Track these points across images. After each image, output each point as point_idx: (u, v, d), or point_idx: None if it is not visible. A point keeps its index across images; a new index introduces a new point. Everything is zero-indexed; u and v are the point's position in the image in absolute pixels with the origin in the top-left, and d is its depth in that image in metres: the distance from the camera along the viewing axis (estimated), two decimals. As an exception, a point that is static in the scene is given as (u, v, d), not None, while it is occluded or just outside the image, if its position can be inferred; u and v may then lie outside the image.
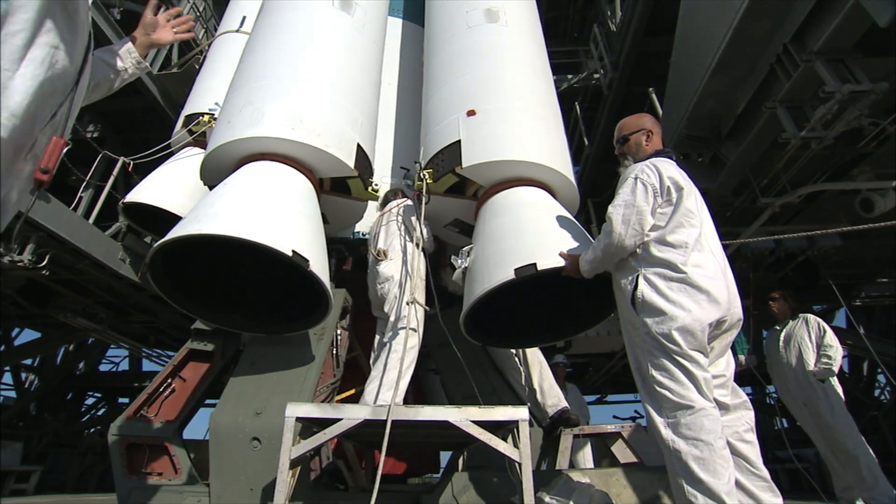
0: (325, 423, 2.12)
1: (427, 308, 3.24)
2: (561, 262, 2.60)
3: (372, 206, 3.76)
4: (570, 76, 9.31)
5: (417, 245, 3.21)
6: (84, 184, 6.31)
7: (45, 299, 6.91)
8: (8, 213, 1.07)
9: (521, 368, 3.53)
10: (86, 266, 5.76)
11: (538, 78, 3.81)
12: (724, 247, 2.31)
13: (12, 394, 10.81)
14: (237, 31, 5.67)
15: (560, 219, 2.94)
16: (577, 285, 2.68)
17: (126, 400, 12.22)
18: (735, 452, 1.97)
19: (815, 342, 4.18)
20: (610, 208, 2.22)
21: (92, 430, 11.44)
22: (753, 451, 2.03)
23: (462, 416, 2.06)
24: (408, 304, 3.08)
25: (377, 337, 3.39)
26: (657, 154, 2.38)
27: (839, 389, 4.06)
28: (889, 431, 8.44)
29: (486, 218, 3.20)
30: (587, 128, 8.14)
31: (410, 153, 4.23)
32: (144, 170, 5.17)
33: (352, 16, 3.95)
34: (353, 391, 3.81)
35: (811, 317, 4.33)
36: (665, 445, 1.91)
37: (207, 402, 3.86)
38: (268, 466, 2.54)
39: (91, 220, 5.85)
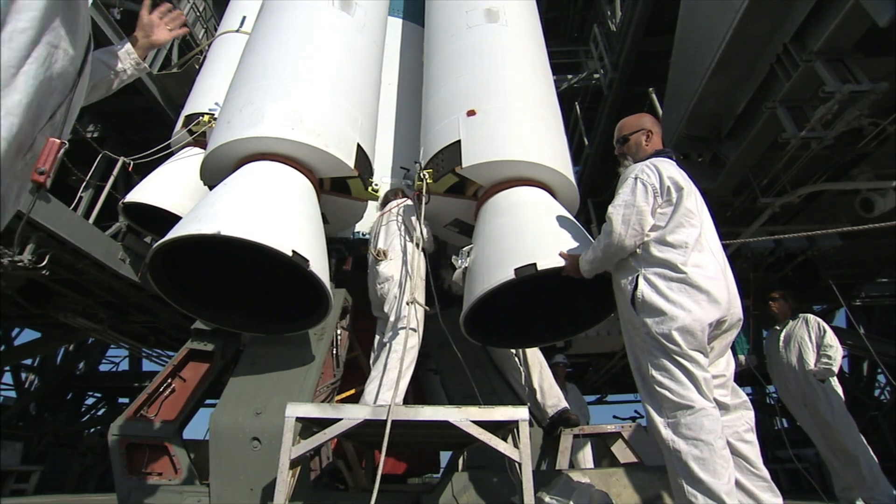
0: (325, 423, 2.12)
1: (427, 308, 3.24)
2: (561, 262, 2.60)
3: (372, 206, 3.76)
4: (570, 76, 9.31)
5: (417, 245, 3.21)
6: (84, 184, 6.30)
7: (45, 299, 6.91)
8: (8, 212, 1.07)
9: (521, 368, 3.53)
10: (86, 266, 5.76)
11: (538, 78, 3.81)
12: (724, 247, 2.31)
13: (12, 394, 10.83)
14: (237, 31, 5.67)
15: (560, 219, 2.94)
16: (577, 285, 2.68)
17: (126, 400, 12.22)
18: (735, 452, 1.97)
19: (815, 342, 4.17)
20: (610, 208, 2.22)
21: (92, 430, 11.44)
22: (753, 451, 2.03)
23: (462, 416, 2.06)
24: (408, 304, 3.08)
25: (377, 337, 3.39)
26: (657, 154, 2.38)
27: (839, 389, 4.06)
28: (889, 431, 8.44)
29: (486, 218, 3.20)
30: (587, 128, 8.14)
31: (410, 153, 4.23)
32: (144, 170, 5.17)
33: (352, 16, 3.95)
34: (353, 391, 3.81)
35: (811, 317, 4.32)
36: (665, 445, 1.91)
37: (207, 402, 3.86)
38: (268, 466, 2.54)
39: (91, 220, 5.85)
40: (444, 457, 5.09)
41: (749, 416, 2.11)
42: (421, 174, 3.28)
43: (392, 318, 3.21)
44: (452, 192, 3.46)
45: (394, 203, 3.70)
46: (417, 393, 4.58)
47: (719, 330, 2.08)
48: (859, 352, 8.08)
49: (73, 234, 5.28)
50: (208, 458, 2.74)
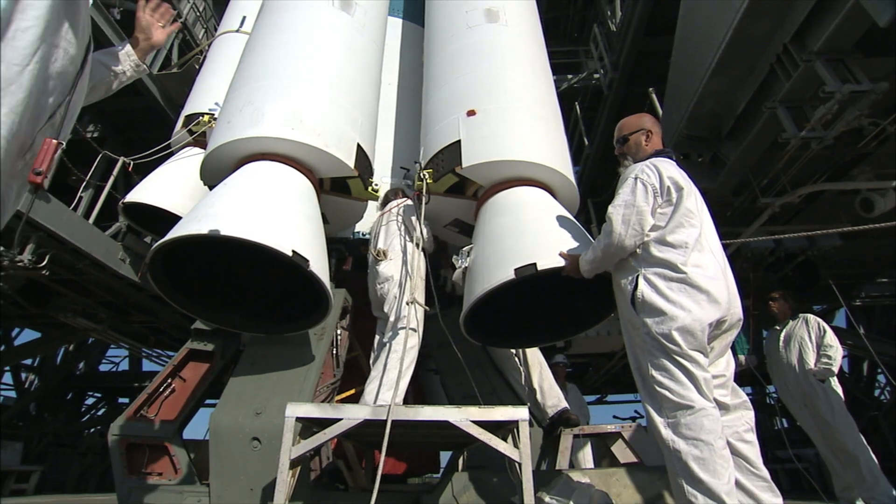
0: (325, 423, 2.12)
1: (427, 308, 3.24)
2: (561, 262, 2.60)
3: (372, 206, 3.76)
4: (570, 76, 9.31)
5: (417, 245, 3.21)
6: (84, 184, 6.30)
7: (45, 299, 6.91)
8: (7, 212, 1.07)
9: (521, 368, 3.53)
10: (86, 266, 5.76)
11: (538, 78, 3.81)
12: (724, 247, 2.31)
13: (12, 394, 10.83)
14: (237, 31, 5.67)
15: (560, 219, 2.94)
16: (577, 285, 2.68)
17: (126, 400, 12.22)
18: (735, 452, 1.97)
19: (815, 342, 4.17)
20: (610, 208, 2.22)
21: (92, 430, 11.44)
22: (753, 451, 2.03)
23: (462, 416, 2.06)
24: (408, 304, 3.08)
25: (377, 337, 3.39)
26: (657, 154, 2.38)
27: (839, 389, 4.06)
28: (889, 431, 8.44)
29: (486, 218, 3.20)
30: (587, 128, 8.14)
31: (410, 153, 4.23)
32: (144, 170, 5.17)
33: (352, 16, 3.95)
34: (353, 391, 3.81)
35: (811, 317, 4.32)
36: (665, 445, 1.91)
37: (207, 402, 3.86)
38: (268, 466, 2.54)
39: (91, 220, 5.85)
40: (444, 457, 5.09)
41: (749, 416, 2.11)
42: (421, 174, 3.28)
43: (392, 318, 3.21)
44: (452, 192, 3.46)
45: (394, 203, 3.70)
46: (417, 393, 4.58)
47: (719, 330, 2.08)
48: (859, 352, 8.08)
49: (73, 234, 5.28)
50: (208, 458, 2.74)
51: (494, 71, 3.68)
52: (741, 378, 3.74)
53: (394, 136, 4.71)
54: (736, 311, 2.10)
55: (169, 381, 3.49)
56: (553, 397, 3.45)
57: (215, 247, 2.91)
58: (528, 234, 2.88)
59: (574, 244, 2.70)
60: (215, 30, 7.04)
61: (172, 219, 4.26)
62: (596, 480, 2.78)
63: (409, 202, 3.60)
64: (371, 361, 3.28)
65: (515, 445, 2.07)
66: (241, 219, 2.59)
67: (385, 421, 2.01)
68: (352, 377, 3.85)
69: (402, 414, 2.08)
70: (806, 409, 4.09)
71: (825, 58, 3.64)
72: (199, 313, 3.10)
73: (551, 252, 2.66)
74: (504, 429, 2.21)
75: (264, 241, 2.51)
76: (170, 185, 4.77)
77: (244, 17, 5.65)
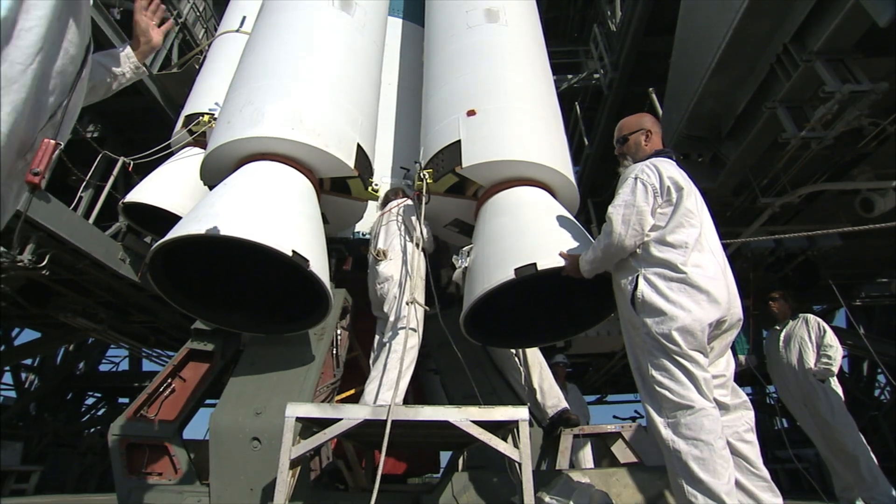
0: (325, 423, 2.12)
1: (427, 308, 3.24)
2: (561, 262, 2.59)
3: (372, 206, 3.76)
4: (570, 76, 9.32)
5: (417, 245, 3.21)
6: (84, 184, 6.30)
7: (45, 299, 6.91)
8: (7, 212, 1.07)
9: (521, 368, 3.53)
10: (86, 266, 5.76)
11: (538, 78, 3.81)
12: (724, 247, 2.31)
13: (12, 394, 10.83)
14: (237, 31, 5.68)
15: (560, 219, 2.94)
16: (578, 285, 2.68)
17: (126, 400, 12.22)
18: (735, 452, 1.97)
19: (815, 342, 4.17)
20: (610, 208, 2.22)
21: (92, 430, 11.44)
22: (753, 451, 2.03)
23: (462, 416, 2.06)
24: (407, 304, 3.08)
25: (377, 337, 3.39)
26: (657, 154, 2.38)
27: (839, 389, 4.06)
28: (889, 431, 8.44)
29: (486, 218, 3.20)
30: (587, 128, 8.14)
31: (410, 153, 4.23)
32: (144, 170, 5.17)
33: (352, 16, 3.95)
34: (353, 391, 3.81)
35: (811, 317, 4.32)
36: (665, 445, 1.91)
37: (207, 402, 3.86)
38: (268, 466, 2.53)
39: (91, 220, 5.85)
40: (444, 457, 5.09)
41: (749, 416, 2.11)
42: (421, 174, 3.28)
43: (392, 318, 3.21)
44: (452, 192, 3.46)
45: (394, 203, 3.70)
46: (417, 393, 4.58)
47: (719, 330, 2.08)
48: (859, 352, 8.08)
49: (73, 234, 5.28)
50: (208, 458, 2.74)
51: (494, 71, 3.68)
52: (741, 378, 3.74)
53: (394, 136, 4.71)
54: (736, 311, 2.09)
55: (169, 381, 3.48)
56: (553, 397, 3.45)
57: (215, 247, 2.91)
58: (528, 234, 2.88)
59: (574, 244, 2.70)
60: (215, 30, 7.04)
61: (172, 219, 4.27)
62: (596, 480, 2.78)
63: (409, 202, 3.60)
64: (371, 361, 3.28)
65: (515, 445, 2.06)
66: (241, 219, 2.59)
67: (385, 421, 2.01)
68: (352, 377, 3.85)
69: (402, 414, 2.08)
70: (806, 409, 4.09)
71: (825, 58, 3.64)
72: (199, 313, 3.10)
73: (551, 252, 2.66)
74: (504, 429, 2.21)
75: (264, 241, 2.51)
76: (170, 185, 4.77)
77: (244, 17, 5.65)
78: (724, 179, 5.06)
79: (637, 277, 2.12)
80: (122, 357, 12.29)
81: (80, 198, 6.31)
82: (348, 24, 3.89)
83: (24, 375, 11.22)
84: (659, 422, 1.94)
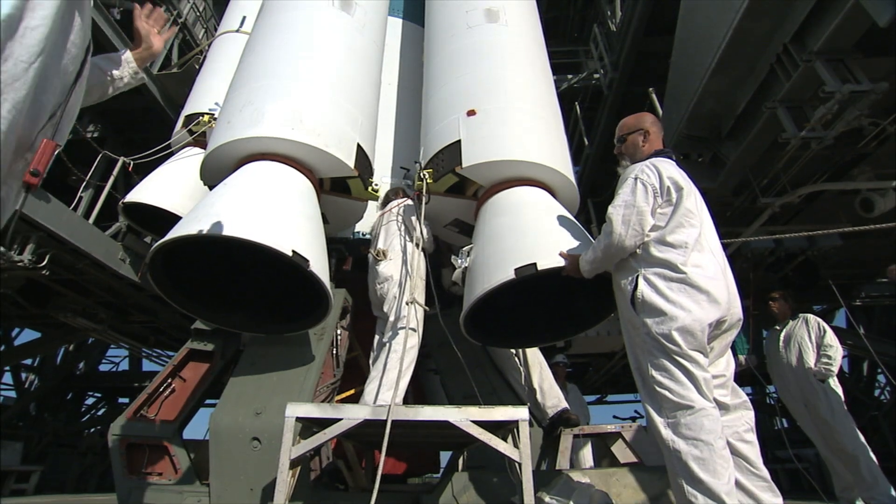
0: (325, 423, 2.12)
1: (427, 308, 3.24)
2: (561, 262, 2.59)
3: (372, 206, 3.76)
4: (570, 76, 9.32)
5: (417, 245, 3.21)
6: (84, 184, 6.30)
7: (45, 299, 6.91)
8: (7, 210, 1.07)
9: (521, 368, 3.53)
10: (86, 266, 5.76)
11: (538, 78, 3.81)
12: (724, 247, 2.31)
13: (12, 394, 10.82)
14: (237, 31, 5.68)
15: (560, 219, 2.94)
16: (578, 285, 2.68)
17: (126, 400, 12.21)
18: (735, 452, 1.97)
19: (815, 342, 4.17)
20: (610, 209, 2.22)
21: (92, 430, 11.44)
22: (753, 451, 2.03)
23: (462, 416, 2.06)
24: (407, 304, 3.08)
25: (377, 337, 3.39)
26: (657, 154, 2.38)
27: (839, 389, 4.06)
28: (889, 431, 8.44)
29: (486, 218, 3.20)
30: (587, 128, 8.14)
31: (410, 153, 4.23)
32: (144, 170, 5.17)
33: (352, 16, 3.95)
34: (353, 391, 3.81)
35: (811, 317, 4.32)
36: (665, 445, 1.91)
37: (207, 402, 3.86)
38: (268, 466, 2.53)
39: (91, 220, 5.84)
40: (444, 457, 5.09)
41: (749, 416, 2.11)
42: (421, 174, 3.28)
43: (392, 318, 3.21)
44: (452, 192, 3.46)
45: (394, 203, 3.70)
46: (417, 393, 4.58)
47: (719, 330, 2.08)
48: (859, 352, 8.08)
49: (73, 234, 5.28)
50: (208, 458, 2.73)
51: (494, 71, 3.68)
52: (741, 378, 3.74)
53: (394, 136, 4.71)
54: (736, 311, 2.09)
55: (169, 381, 3.48)
56: (553, 397, 3.45)
57: (215, 247, 2.91)
58: (528, 234, 2.88)
59: (574, 244, 2.70)
60: (215, 30, 7.04)
61: (172, 219, 4.27)
62: (596, 480, 2.78)
63: (410, 202, 3.60)
64: (371, 361, 3.28)
65: (515, 445, 2.06)
66: (241, 219, 2.59)
67: (385, 421, 2.01)
68: (352, 377, 3.85)
69: (402, 414, 2.08)
70: (806, 409, 4.09)
71: (825, 58, 3.64)
72: (199, 313, 3.10)
73: (551, 252, 2.66)
74: (504, 429, 2.21)
75: (264, 241, 2.51)
76: (170, 185, 4.77)
77: (244, 17, 5.65)
78: (724, 179, 5.06)
79: (637, 277, 2.12)
80: (122, 357, 12.30)
81: (80, 198, 6.30)
82: (348, 24, 3.89)
83: (24, 375, 11.22)
84: (659, 422, 1.94)
